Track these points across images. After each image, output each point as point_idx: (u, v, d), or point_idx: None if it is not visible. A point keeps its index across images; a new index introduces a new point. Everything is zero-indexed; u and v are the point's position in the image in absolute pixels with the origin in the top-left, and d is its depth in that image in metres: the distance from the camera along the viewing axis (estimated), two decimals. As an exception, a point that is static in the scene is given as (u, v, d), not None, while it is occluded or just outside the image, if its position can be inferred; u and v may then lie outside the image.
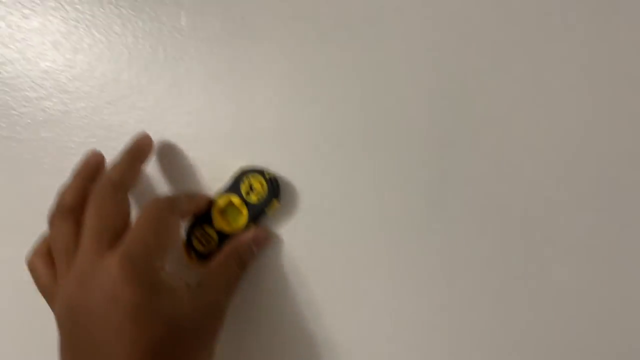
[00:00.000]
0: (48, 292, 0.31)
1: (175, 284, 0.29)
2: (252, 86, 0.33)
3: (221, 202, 0.33)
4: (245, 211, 0.32)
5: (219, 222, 0.33)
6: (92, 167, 0.33)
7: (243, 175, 0.32)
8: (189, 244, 0.33)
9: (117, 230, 0.29)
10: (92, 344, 0.26)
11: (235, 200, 0.32)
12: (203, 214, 0.33)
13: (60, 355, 0.28)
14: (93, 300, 0.27)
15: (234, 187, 0.32)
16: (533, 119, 0.31)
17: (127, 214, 0.31)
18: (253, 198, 0.32)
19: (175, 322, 0.27)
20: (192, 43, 0.34)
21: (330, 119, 0.33)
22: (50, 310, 0.30)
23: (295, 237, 0.33)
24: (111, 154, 0.33)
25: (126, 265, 0.27)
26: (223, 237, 0.33)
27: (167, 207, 0.30)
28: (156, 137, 0.35)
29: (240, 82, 0.33)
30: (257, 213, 0.32)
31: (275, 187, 0.32)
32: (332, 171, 0.33)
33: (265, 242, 0.33)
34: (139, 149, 0.33)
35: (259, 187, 0.32)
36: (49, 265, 0.31)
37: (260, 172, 0.32)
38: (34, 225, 0.33)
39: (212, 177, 0.34)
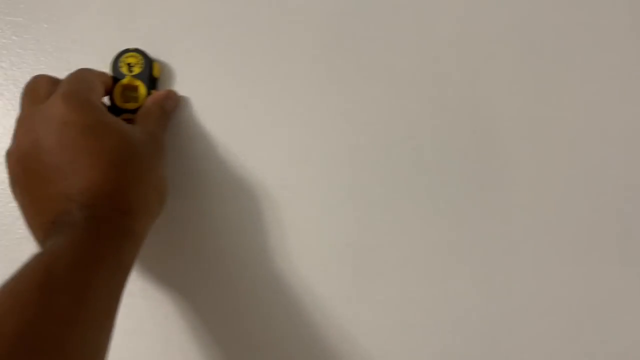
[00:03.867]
0: None
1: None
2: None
3: (116, 90, 0.35)
4: (138, 82, 0.35)
5: (127, 105, 0.35)
6: None
7: (116, 61, 0.36)
8: None
9: (49, 88, 0.30)
10: (48, 175, 0.27)
11: (124, 81, 0.35)
12: (110, 108, 0.35)
13: (20, 207, 0.29)
14: (43, 134, 0.28)
15: (116, 74, 0.36)
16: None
17: (57, 82, 0.31)
18: (137, 69, 0.35)
19: (125, 137, 0.29)
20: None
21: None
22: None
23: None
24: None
25: (69, 99, 0.28)
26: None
27: (82, 68, 0.32)
28: None
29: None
30: (148, 78, 0.35)
31: (145, 53, 0.36)
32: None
33: (175, 97, 0.36)
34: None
35: (135, 59, 0.36)
36: None
37: (126, 50, 0.36)
38: None
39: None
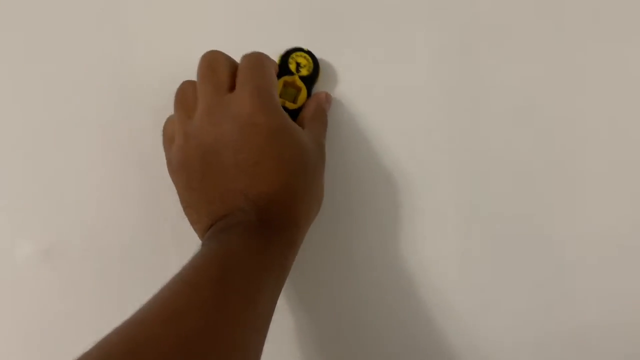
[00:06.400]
0: (166, 147, 0.32)
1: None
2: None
3: (278, 86, 0.35)
4: (302, 84, 0.35)
5: (286, 104, 0.35)
6: None
7: (287, 56, 0.35)
8: None
9: (229, 72, 0.31)
10: (229, 170, 0.28)
11: (289, 79, 0.35)
12: None
13: (184, 188, 0.30)
14: (229, 130, 0.28)
15: (282, 69, 0.35)
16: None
17: (235, 64, 0.32)
18: (304, 72, 0.35)
19: (303, 146, 0.30)
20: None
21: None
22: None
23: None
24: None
25: (256, 97, 0.29)
26: (291, 114, 0.34)
27: (262, 54, 0.32)
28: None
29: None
30: (311, 83, 0.35)
31: (316, 58, 0.36)
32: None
33: (331, 100, 0.36)
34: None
35: (305, 61, 0.35)
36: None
37: (299, 49, 0.35)
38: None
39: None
